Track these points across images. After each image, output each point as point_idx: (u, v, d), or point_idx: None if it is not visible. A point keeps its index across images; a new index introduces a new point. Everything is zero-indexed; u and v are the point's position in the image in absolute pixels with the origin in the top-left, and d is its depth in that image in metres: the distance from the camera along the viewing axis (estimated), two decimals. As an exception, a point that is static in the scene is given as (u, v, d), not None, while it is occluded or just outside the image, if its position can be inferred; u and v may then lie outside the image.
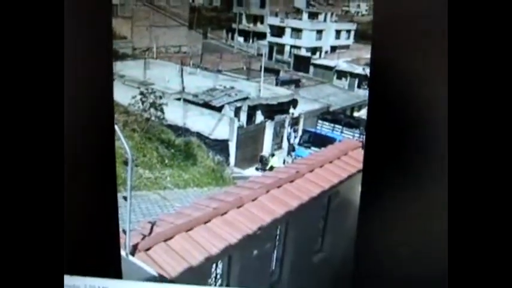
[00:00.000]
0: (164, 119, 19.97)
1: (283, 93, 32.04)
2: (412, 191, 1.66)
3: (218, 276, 5.98)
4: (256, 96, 29.54)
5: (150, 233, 5.25)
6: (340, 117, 30.95)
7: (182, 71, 30.17)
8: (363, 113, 36.97)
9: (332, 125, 29.57)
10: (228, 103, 27.67)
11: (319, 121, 30.20)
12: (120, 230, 3.03)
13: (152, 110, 19.20)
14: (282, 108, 30.20)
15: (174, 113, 23.15)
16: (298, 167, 7.97)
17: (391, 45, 1.63)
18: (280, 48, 65.50)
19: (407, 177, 1.70)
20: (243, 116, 27.99)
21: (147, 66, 30.91)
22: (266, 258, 6.81)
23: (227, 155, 24.74)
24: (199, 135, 24.01)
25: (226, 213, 6.12)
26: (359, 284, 2.17)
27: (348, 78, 52.77)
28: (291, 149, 28.43)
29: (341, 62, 53.90)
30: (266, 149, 26.48)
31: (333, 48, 63.37)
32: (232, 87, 29.74)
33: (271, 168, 24.00)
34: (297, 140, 28.74)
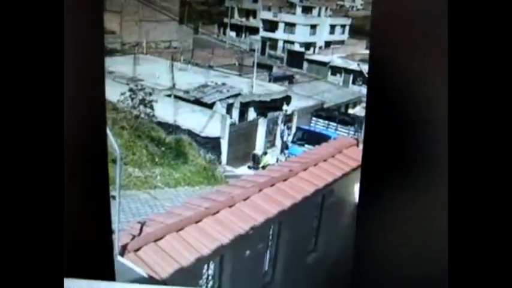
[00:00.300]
0: (154, 116, 19.89)
1: (276, 89, 32.06)
2: (412, 191, 1.66)
3: (210, 277, 5.98)
4: (248, 92, 29.52)
5: (140, 233, 5.23)
6: (335, 114, 31.01)
7: (173, 66, 30.12)
8: (357, 110, 37.06)
9: (326, 122, 29.59)
10: (220, 100, 27.64)
11: (313, 118, 30.24)
12: (109, 230, 3.03)
13: (142, 107, 19.13)
14: (275, 105, 30.21)
15: (165, 110, 23.06)
16: (292, 165, 7.96)
17: (389, 44, 1.64)
18: (273, 43, 65.42)
19: (406, 177, 1.71)
20: (235, 113, 27.96)
21: (137, 62, 30.86)
22: (259, 258, 6.81)
23: (219, 153, 24.70)
24: (190, 132, 23.95)
25: (218, 213, 6.10)
26: (358, 285, 2.18)
27: (343, 74, 52.86)
28: (284, 146, 28.44)
29: (335, 58, 53.99)
30: (259, 147, 26.47)
31: (327, 44, 63.38)
32: (224, 84, 29.72)
33: (265, 166, 24.02)
34: (290, 138, 28.74)
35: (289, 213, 6.82)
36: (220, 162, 24.11)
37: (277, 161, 24.19)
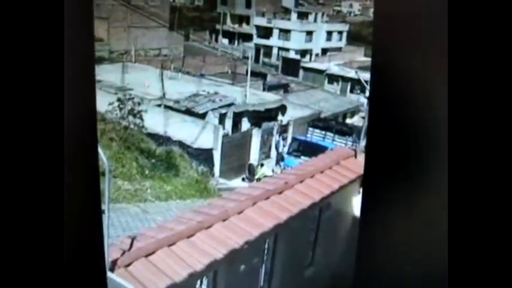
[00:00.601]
0: (144, 127, 19.82)
1: (270, 98, 32.14)
2: (417, 198, 1.71)
3: (203, 293, 6.01)
4: (242, 102, 29.56)
5: (130, 248, 5.25)
6: (332, 124, 31.12)
7: (162, 75, 30.15)
8: (355, 120, 37.12)
9: (323, 132, 29.70)
10: (212, 109, 27.63)
11: (310, 128, 30.33)
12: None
13: (131, 117, 19.07)
14: (270, 114, 30.28)
15: (155, 121, 22.95)
16: (287, 177, 7.96)
17: (393, 47, 1.67)
18: (268, 50, 65.10)
19: (411, 184, 1.74)
20: (228, 124, 27.98)
21: (125, 70, 30.93)
22: (254, 273, 6.82)
23: (211, 165, 24.66)
24: (181, 144, 23.90)
25: (211, 227, 6.11)
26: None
27: (340, 82, 52.89)
28: (280, 158, 28.49)
29: (332, 66, 54.02)
30: (253, 158, 26.46)
31: (324, 51, 63.17)
32: (216, 93, 29.75)
33: (260, 178, 24.04)
34: (285, 149, 28.80)
35: (285, 227, 6.83)
36: (213, 175, 24.04)
37: (272, 173, 24.20)
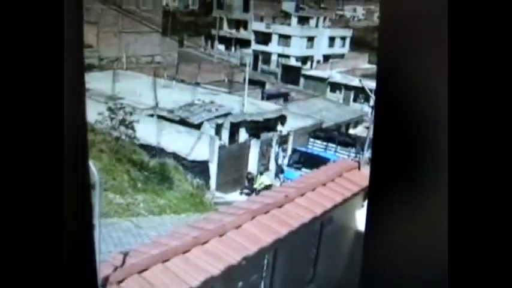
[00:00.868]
0: (136, 137, 19.80)
1: (269, 108, 32.20)
2: (428, 212, 1.72)
3: (199, 312, 6.04)
4: (239, 111, 29.59)
5: (123, 264, 5.29)
6: (334, 134, 31.26)
7: (155, 83, 30.22)
8: (359, 130, 37.21)
9: (325, 143, 29.82)
10: (208, 120, 27.65)
11: (311, 139, 30.44)
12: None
13: (122, 127, 19.07)
14: (269, 125, 30.34)
15: (147, 131, 22.92)
16: (287, 190, 7.97)
17: (400, 52, 1.68)
18: (266, 57, 65.24)
19: (419, 195, 1.75)
20: (225, 134, 28.00)
21: (116, 78, 31.02)
22: (252, 291, 6.86)
23: (207, 178, 24.66)
24: (175, 156, 23.89)
25: (207, 242, 6.14)
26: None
27: (343, 91, 53.08)
28: (279, 170, 28.56)
29: (335, 73, 54.23)
30: (251, 171, 26.50)
31: (326, 58, 63.35)
32: (212, 102, 29.79)
33: (260, 190, 24.07)
34: (285, 161, 28.89)
35: (285, 242, 6.86)
36: (208, 188, 24.02)
37: (271, 182, 24.27)
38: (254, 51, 62.76)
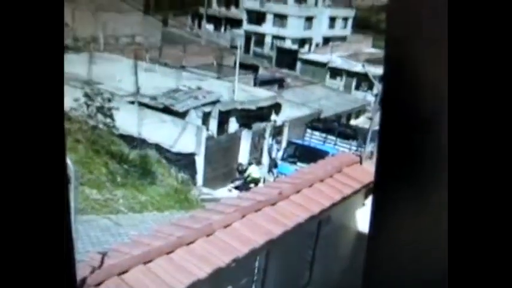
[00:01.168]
0: (115, 127, 19.76)
1: (263, 95, 32.19)
2: (438, 208, 1.74)
3: (183, 318, 6.09)
4: (229, 99, 29.57)
5: (101, 265, 5.34)
6: (334, 125, 31.27)
7: (136, 67, 30.04)
8: (361, 121, 37.31)
9: (324, 135, 29.83)
10: (194, 108, 27.60)
11: (308, 130, 30.45)
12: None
13: (100, 115, 19.05)
14: (262, 114, 30.34)
15: (127, 120, 22.96)
16: (282, 186, 7.97)
17: (411, 35, 1.68)
18: (260, 38, 65.24)
19: (430, 191, 1.76)
20: (213, 124, 27.99)
21: (93, 61, 30.94)
22: (242, 296, 6.91)
23: (193, 172, 24.65)
24: (158, 147, 23.87)
25: (193, 243, 6.17)
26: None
27: (344, 77, 53.17)
28: (273, 164, 28.56)
29: (335, 58, 54.30)
30: (243, 163, 26.45)
31: (326, 40, 63.43)
32: (199, 88, 29.73)
33: (252, 180, 24.09)
34: (280, 154, 28.88)
35: (279, 243, 6.89)
36: (195, 183, 24.00)
37: (264, 182, 24.25)
38: (246, 32, 62.63)
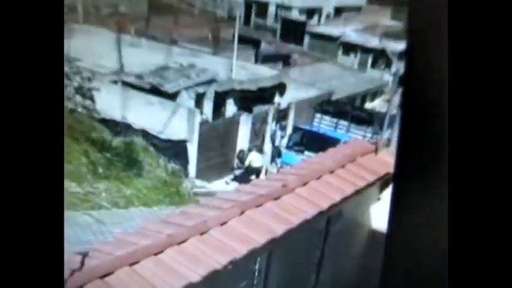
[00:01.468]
0: (95, 110, 19.77)
1: (265, 74, 32.05)
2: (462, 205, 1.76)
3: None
4: (226, 78, 29.47)
5: (81, 266, 5.38)
6: (347, 109, 31.25)
7: (120, 41, 29.98)
8: (377, 104, 37.34)
9: (335, 120, 29.85)
10: (186, 88, 27.47)
11: (317, 115, 30.45)
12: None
13: (78, 97, 19.03)
14: (264, 95, 30.23)
15: (110, 102, 23.07)
16: (286, 178, 7.98)
17: (438, 6, 1.68)
18: (262, 8, 65.44)
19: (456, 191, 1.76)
20: (208, 107, 27.88)
21: (70, 34, 30.81)
22: (240, 302, 6.95)
23: (185, 162, 24.62)
24: (145, 133, 23.83)
25: (185, 242, 6.20)
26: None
27: (359, 53, 53.15)
28: (276, 153, 28.55)
29: (349, 31, 54.30)
30: (244, 149, 26.38)
31: (338, 11, 63.59)
32: (192, 65, 29.59)
33: (253, 170, 24.09)
34: (284, 141, 28.86)
35: (282, 243, 6.92)
36: (187, 175, 23.98)
37: (266, 173, 24.26)
38: (246, 0, 62.31)
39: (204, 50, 35.63)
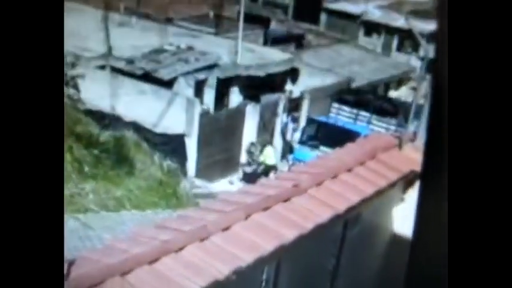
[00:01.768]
0: (80, 100, 19.74)
1: (275, 57, 31.96)
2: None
3: None
4: (230, 62, 29.38)
5: (68, 275, 5.49)
6: (368, 98, 31.22)
7: (107, 20, 29.91)
8: (403, 92, 37.36)
9: (355, 111, 29.86)
10: (184, 74, 27.38)
11: (335, 105, 30.47)
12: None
13: (61, 85, 18.99)
14: (274, 82, 30.18)
15: (97, 91, 23.11)
16: (298, 177, 7.99)
17: None
18: (271, -18, 63.75)
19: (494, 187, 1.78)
20: (209, 96, 27.82)
21: (51, 12, 30.84)
22: (246, 316, 7.02)
23: (183, 159, 24.55)
24: (137, 127, 23.77)
25: (182, 249, 6.27)
26: None
27: (383, 34, 53.12)
28: (288, 149, 28.55)
29: (372, 8, 54.19)
30: (246, 149, 26.33)
31: (359, -16, 62.09)
32: (190, 48, 29.54)
33: (266, 169, 24.09)
34: (297, 136, 28.86)
35: (292, 250, 6.96)
36: (185, 174, 23.92)
37: (275, 171, 24.22)
38: (253, -27, 62.17)
39: (205, 30, 35.56)
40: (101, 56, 26.15)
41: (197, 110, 24.24)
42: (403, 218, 8.47)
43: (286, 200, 7.28)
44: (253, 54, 30.54)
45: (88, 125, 20.13)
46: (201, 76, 26.37)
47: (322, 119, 28.42)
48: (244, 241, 6.53)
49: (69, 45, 24.66)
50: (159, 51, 27.65)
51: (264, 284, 7.07)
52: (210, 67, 27.05)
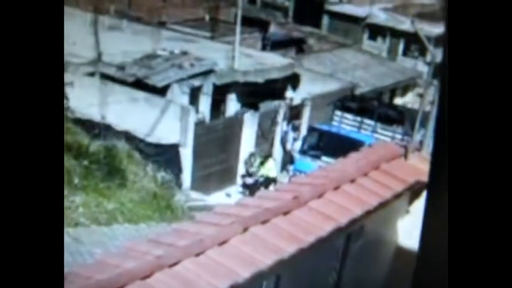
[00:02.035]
0: (69, 108, 19.76)
1: (275, 63, 32.01)
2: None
3: None
4: (227, 68, 29.42)
5: None
6: (373, 105, 31.27)
7: (97, 24, 29.92)
8: (409, 99, 37.42)
9: (358, 118, 29.89)
10: (178, 81, 27.41)
11: (337, 112, 30.52)
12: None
13: (48, 93, 19.00)
14: (273, 89, 30.22)
15: (86, 99, 23.11)
16: (298, 189, 8.02)
17: None
18: (270, -16, 63.94)
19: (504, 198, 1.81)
20: (205, 104, 27.86)
21: (38, 16, 30.87)
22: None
23: (178, 171, 24.56)
24: (129, 136, 23.81)
25: (177, 264, 6.32)
26: None
27: (388, 38, 53.24)
28: (288, 159, 28.61)
29: (376, 10, 54.31)
30: (245, 160, 26.34)
31: (362, -14, 62.33)
32: (185, 53, 29.55)
33: (267, 181, 24.13)
34: (297, 145, 28.91)
35: (292, 265, 7.00)
36: (180, 186, 23.93)
37: (275, 183, 24.24)
38: (251, -27, 62.23)
39: (200, 34, 35.58)
40: (90, 62, 26.13)
41: (192, 119, 24.24)
42: (409, 230, 8.50)
43: (285, 213, 7.32)
44: (251, 60, 30.52)
45: (77, 135, 20.14)
46: (196, 83, 26.35)
47: (324, 127, 28.47)
48: (242, 255, 6.55)
49: (58, 51, 24.70)
50: (152, 56, 27.59)
51: (263, 300, 7.10)
52: (206, 73, 27.02)
